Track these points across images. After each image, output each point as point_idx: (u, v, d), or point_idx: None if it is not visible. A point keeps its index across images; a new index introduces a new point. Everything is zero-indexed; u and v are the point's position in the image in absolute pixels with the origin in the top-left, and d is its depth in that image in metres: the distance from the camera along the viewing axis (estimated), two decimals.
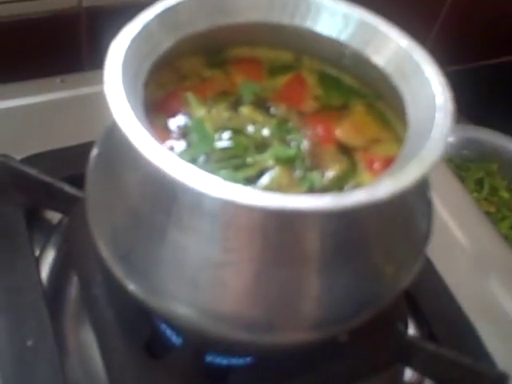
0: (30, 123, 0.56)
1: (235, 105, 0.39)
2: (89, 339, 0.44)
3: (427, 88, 0.35)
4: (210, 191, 0.28)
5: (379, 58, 0.38)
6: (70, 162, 0.50)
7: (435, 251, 0.52)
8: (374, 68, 0.38)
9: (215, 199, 0.29)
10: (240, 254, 0.31)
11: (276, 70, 0.42)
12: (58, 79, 0.60)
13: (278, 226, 0.31)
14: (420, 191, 0.37)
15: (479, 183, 0.79)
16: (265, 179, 0.36)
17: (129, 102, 0.31)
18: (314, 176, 0.36)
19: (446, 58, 0.93)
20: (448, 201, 0.58)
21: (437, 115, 0.33)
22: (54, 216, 0.52)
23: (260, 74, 0.41)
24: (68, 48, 0.67)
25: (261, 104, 0.40)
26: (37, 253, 0.49)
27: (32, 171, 0.48)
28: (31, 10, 0.64)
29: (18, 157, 0.51)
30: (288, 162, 0.37)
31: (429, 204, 0.39)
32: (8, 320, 0.44)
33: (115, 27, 0.36)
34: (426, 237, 0.38)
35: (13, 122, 0.56)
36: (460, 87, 0.89)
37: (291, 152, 0.37)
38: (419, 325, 0.50)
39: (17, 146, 0.53)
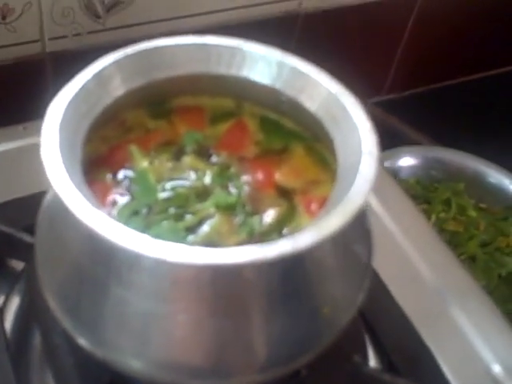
0: None
1: (178, 154, 0.41)
2: None
3: (355, 133, 0.36)
4: (143, 251, 0.30)
5: (312, 104, 0.39)
6: (30, 211, 0.51)
7: (394, 281, 0.54)
8: (308, 113, 0.39)
9: (148, 257, 0.30)
10: (177, 305, 0.33)
11: (218, 117, 0.43)
12: (20, 127, 0.61)
13: (210, 278, 0.32)
14: (356, 225, 0.38)
15: (447, 203, 0.81)
16: (205, 228, 0.37)
17: (65, 165, 0.33)
18: (254, 221, 0.38)
19: (410, 80, 0.95)
20: (407, 228, 0.60)
21: (362, 161, 0.34)
22: (19, 264, 0.53)
23: (202, 122, 0.43)
24: (33, 94, 0.68)
25: (203, 152, 0.41)
26: (1, 301, 0.50)
27: None
28: None
29: None
30: (229, 209, 0.38)
31: (368, 235, 0.40)
32: None
33: (81, 70, 0.38)
34: (365, 270, 0.39)
35: None
36: (425, 109, 0.91)
37: (231, 199, 0.38)
38: (380, 356, 0.51)
39: None
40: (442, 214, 0.79)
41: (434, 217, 0.79)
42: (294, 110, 0.41)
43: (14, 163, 0.59)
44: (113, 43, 0.70)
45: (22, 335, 0.49)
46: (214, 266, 0.29)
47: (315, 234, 0.30)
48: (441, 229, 0.77)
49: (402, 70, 0.93)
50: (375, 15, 0.84)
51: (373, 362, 0.51)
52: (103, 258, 0.33)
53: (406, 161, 0.84)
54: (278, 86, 0.40)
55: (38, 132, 0.61)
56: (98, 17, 0.67)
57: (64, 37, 0.67)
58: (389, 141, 0.84)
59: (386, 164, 0.82)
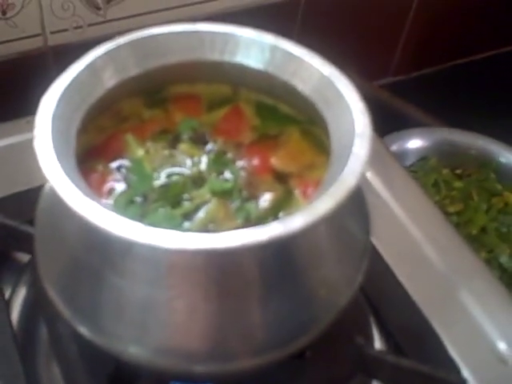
0: None
1: (174, 142, 0.41)
2: (60, 378, 0.46)
3: (348, 114, 0.36)
4: (136, 238, 0.30)
5: (305, 87, 0.39)
6: (34, 204, 0.52)
7: (398, 261, 0.54)
8: (302, 96, 0.39)
9: (142, 245, 0.30)
10: (172, 291, 0.33)
11: (215, 103, 0.43)
12: (23, 121, 0.62)
13: (204, 262, 0.32)
14: (352, 206, 0.38)
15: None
16: (201, 213, 0.37)
17: (58, 155, 0.33)
18: (250, 206, 0.38)
19: (416, 61, 0.94)
20: (411, 209, 0.59)
21: (355, 142, 0.34)
22: (24, 256, 0.54)
23: (199, 109, 0.43)
24: (36, 88, 0.68)
25: (199, 139, 0.41)
26: (8, 293, 0.51)
27: None
28: None
29: None
30: (225, 195, 0.38)
31: (366, 216, 0.40)
32: None
33: None
34: (363, 250, 0.39)
35: None
36: (433, 90, 0.90)
37: (227, 185, 0.38)
38: (385, 337, 0.51)
39: None
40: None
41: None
42: (289, 94, 0.41)
43: (18, 157, 0.59)
44: (114, 35, 0.71)
45: (28, 326, 0.49)
46: (206, 251, 0.30)
47: (307, 216, 0.30)
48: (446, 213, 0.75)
49: (408, 51, 0.91)
50: None
51: (378, 343, 0.51)
52: (98, 247, 0.34)
53: (415, 143, 0.83)
54: (271, 70, 0.40)
55: None
56: (99, 8, 0.67)
57: (65, 30, 0.67)
58: (396, 123, 0.83)
59: (394, 147, 0.81)
